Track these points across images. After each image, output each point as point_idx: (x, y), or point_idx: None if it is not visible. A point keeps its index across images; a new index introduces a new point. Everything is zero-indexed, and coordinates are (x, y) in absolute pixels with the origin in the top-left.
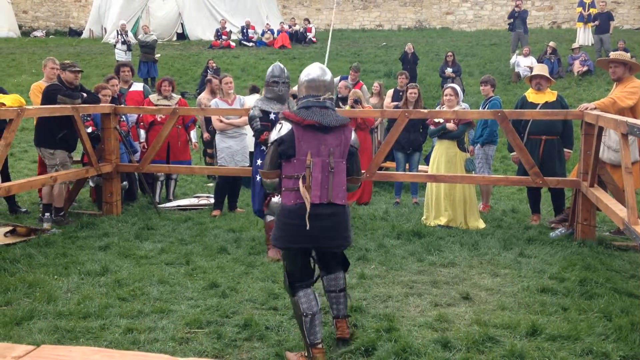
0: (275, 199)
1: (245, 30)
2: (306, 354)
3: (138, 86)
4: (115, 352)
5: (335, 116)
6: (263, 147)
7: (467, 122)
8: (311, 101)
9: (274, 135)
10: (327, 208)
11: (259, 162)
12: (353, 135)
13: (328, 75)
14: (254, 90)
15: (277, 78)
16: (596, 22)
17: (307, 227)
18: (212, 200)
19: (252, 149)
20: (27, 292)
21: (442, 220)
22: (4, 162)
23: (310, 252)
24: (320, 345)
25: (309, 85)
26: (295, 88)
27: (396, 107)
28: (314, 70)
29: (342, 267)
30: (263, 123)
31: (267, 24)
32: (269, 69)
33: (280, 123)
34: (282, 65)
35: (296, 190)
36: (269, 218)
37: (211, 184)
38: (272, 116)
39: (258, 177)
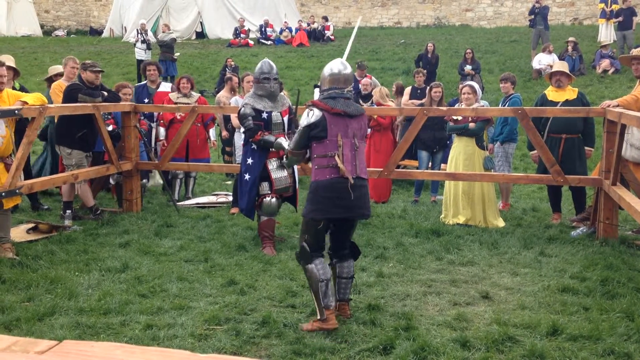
0: (267, 199)
1: (263, 29)
2: (319, 317)
3: (166, 86)
4: (136, 348)
5: (355, 106)
6: (254, 146)
7: (486, 119)
8: (336, 92)
9: (304, 120)
10: (357, 181)
11: (249, 161)
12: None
13: (348, 70)
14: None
15: (268, 74)
16: (619, 18)
17: (352, 197)
18: (230, 198)
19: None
20: (49, 289)
21: (461, 219)
22: (27, 160)
23: (329, 226)
24: (332, 307)
25: (332, 79)
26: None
27: (420, 105)
28: (336, 65)
29: (353, 256)
30: (256, 122)
31: (285, 22)
32: (258, 66)
33: (311, 109)
34: (271, 62)
35: (330, 167)
36: (263, 218)
37: (230, 182)
38: (264, 115)
39: (247, 176)
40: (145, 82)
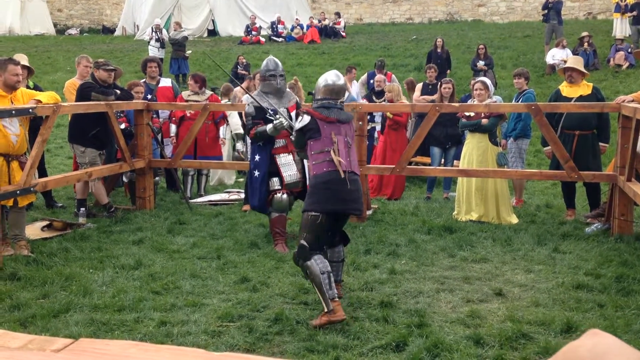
0: (278, 196)
1: (275, 26)
2: (326, 310)
3: (166, 82)
4: (150, 346)
5: (346, 114)
6: (260, 143)
7: (499, 114)
8: (331, 103)
9: (297, 125)
10: (350, 175)
11: (256, 157)
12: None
13: (341, 81)
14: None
15: (274, 71)
16: (634, 13)
17: (348, 188)
18: (242, 196)
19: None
20: (64, 286)
21: (474, 216)
22: (41, 158)
23: (330, 223)
24: (337, 299)
25: (326, 89)
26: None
27: (431, 102)
28: (330, 77)
29: (343, 242)
30: (255, 121)
31: (297, 19)
32: (263, 63)
33: (301, 116)
34: (275, 59)
35: (327, 161)
36: (274, 215)
37: (241, 179)
38: (269, 113)
39: (256, 173)
40: (144, 79)
